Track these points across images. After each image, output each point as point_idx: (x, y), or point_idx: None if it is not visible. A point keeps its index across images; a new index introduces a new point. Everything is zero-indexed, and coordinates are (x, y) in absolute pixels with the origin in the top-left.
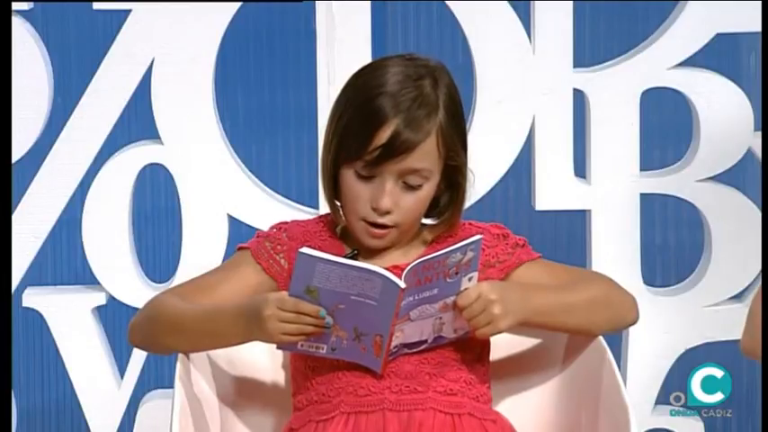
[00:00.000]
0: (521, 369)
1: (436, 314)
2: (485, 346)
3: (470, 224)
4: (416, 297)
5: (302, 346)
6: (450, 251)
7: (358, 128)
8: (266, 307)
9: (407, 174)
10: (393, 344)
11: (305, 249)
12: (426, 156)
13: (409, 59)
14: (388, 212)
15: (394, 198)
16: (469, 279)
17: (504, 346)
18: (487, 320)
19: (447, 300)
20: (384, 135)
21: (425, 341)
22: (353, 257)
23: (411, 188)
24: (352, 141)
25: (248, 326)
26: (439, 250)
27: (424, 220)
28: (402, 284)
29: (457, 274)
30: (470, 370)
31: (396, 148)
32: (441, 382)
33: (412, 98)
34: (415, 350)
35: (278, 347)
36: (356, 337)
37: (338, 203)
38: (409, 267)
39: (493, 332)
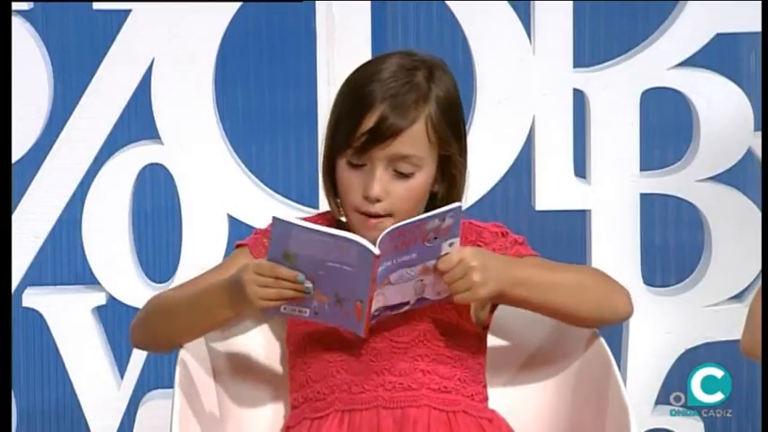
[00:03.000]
0: (520, 368)
1: (416, 277)
2: (480, 341)
3: (470, 223)
4: (394, 262)
5: (285, 309)
6: (427, 217)
7: (347, 115)
8: (245, 273)
9: (397, 160)
10: (375, 307)
11: (279, 215)
12: (414, 142)
13: (408, 54)
14: (378, 200)
15: (383, 185)
16: (450, 245)
17: (503, 344)
18: (467, 286)
19: (428, 263)
20: (371, 120)
21: (408, 303)
22: None
23: (402, 176)
24: (342, 129)
25: (232, 295)
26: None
27: None
28: (376, 251)
29: (436, 239)
30: (465, 368)
31: (382, 133)
32: (434, 379)
33: (401, 84)
34: (398, 312)
35: (263, 314)
36: (337, 302)
37: (338, 200)
38: (383, 234)
39: (472, 299)
